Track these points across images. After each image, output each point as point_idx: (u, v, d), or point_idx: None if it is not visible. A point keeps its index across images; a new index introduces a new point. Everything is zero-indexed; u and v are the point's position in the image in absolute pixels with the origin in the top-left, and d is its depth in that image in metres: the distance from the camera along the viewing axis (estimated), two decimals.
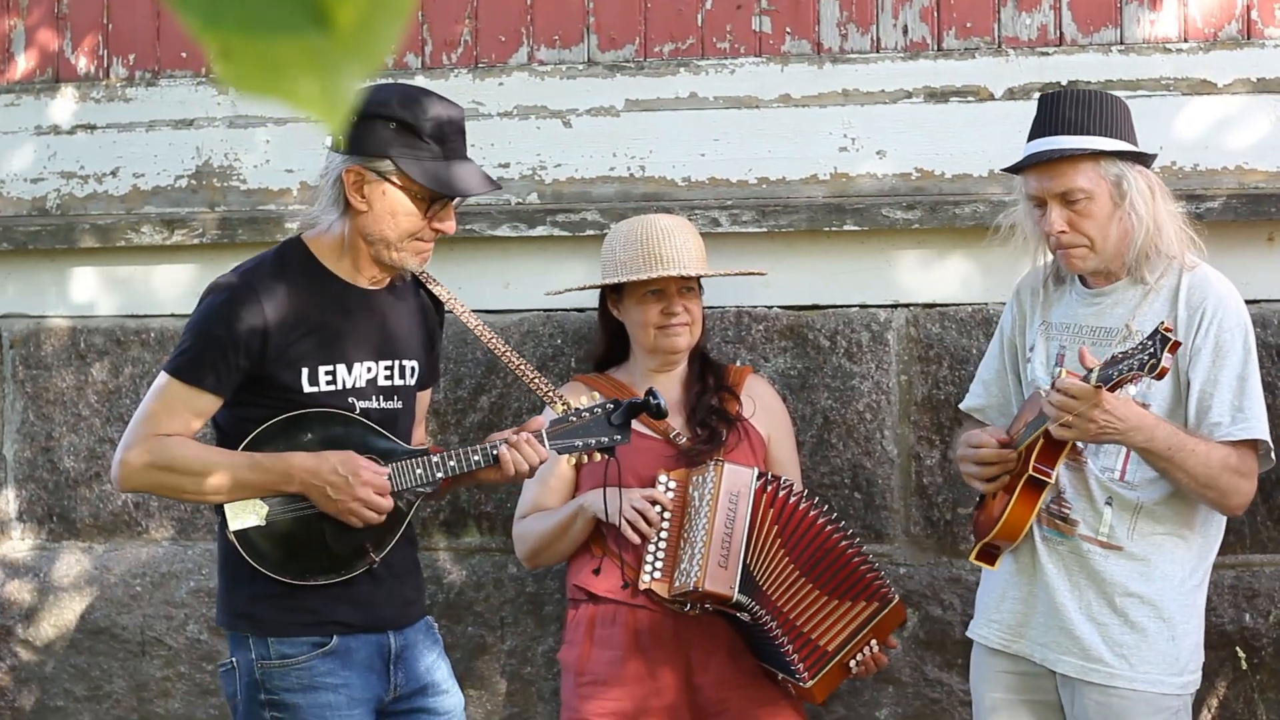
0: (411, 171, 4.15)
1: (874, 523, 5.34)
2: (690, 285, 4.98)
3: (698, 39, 5.56)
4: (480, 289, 5.57)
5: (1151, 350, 3.97)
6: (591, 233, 5.43)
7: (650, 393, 4.38)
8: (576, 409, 4.35)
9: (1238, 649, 5.08)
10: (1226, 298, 4.38)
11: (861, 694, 5.36)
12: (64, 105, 5.94)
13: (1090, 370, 4.09)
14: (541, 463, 4.32)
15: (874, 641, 4.84)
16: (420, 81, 5.56)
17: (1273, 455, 4.36)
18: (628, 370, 5.06)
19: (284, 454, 4.19)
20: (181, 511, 5.73)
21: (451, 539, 5.63)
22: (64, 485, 5.85)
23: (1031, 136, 4.41)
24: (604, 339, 5.14)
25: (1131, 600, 4.35)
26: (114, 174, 5.91)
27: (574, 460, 4.40)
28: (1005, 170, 4.52)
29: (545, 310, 5.52)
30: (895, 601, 4.87)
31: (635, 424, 4.93)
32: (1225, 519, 4.49)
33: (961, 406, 4.83)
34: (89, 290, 5.88)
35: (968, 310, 5.31)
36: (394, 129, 4.15)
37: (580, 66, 5.62)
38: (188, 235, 5.72)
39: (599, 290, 5.10)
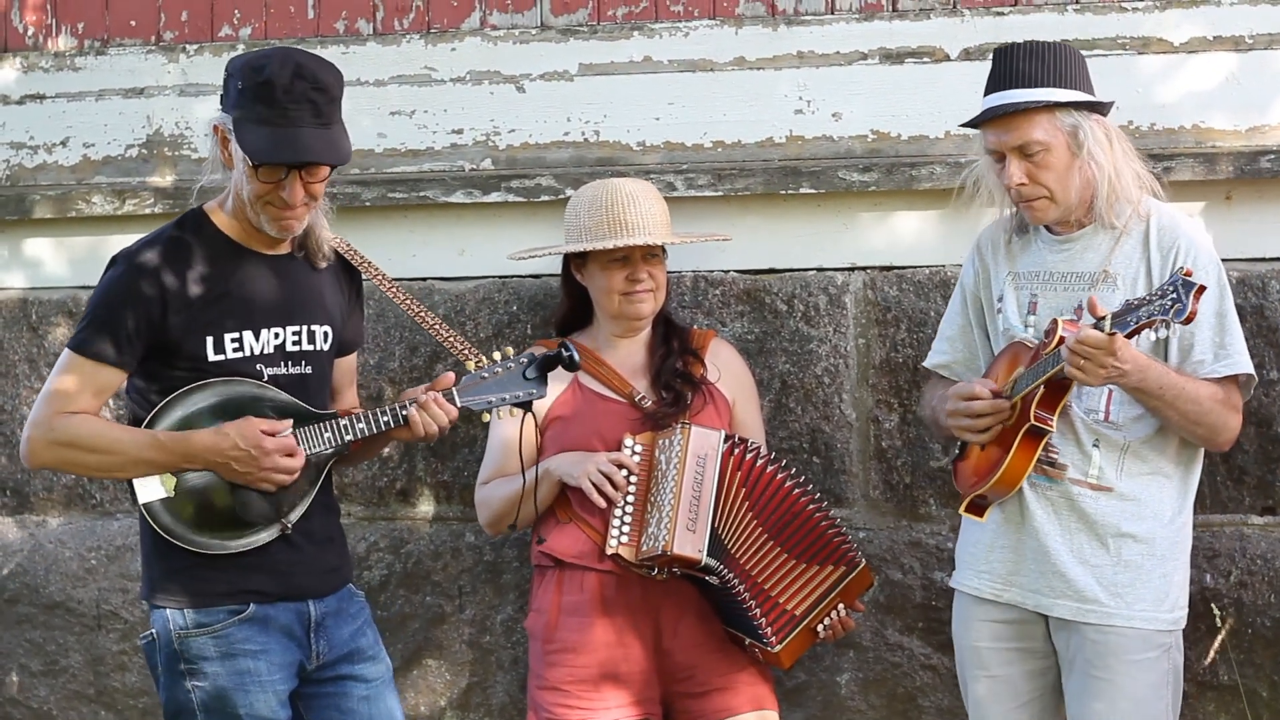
0: (239, 132, 4.12)
1: (833, 487, 5.32)
2: (655, 251, 4.95)
3: (651, 2, 5.53)
4: (435, 256, 5.54)
5: (1174, 296, 3.98)
6: (546, 198, 5.40)
7: (563, 344, 4.36)
8: (490, 364, 4.32)
9: (1213, 605, 5.06)
10: (1196, 237, 4.44)
11: (822, 659, 5.35)
12: (11, 75, 5.88)
13: (1102, 318, 4.10)
14: (451, 421, 4.30)
15: (841, 605, 4.83)
16: (372, 47, 5.54)
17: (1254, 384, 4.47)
18: (591, 334, 5.03)
19: (185, 434, 4.17)
20: None
21: (408, 508, 5.60)
22: (17, 458, 5.79)
23: (987, 91, 4.43)
24: (567, 303, 5.10)
25: (1124, 540, 4.40)
26: (64, 144, 5.86)
27: (488, 418, 4.36)
28: (963, 125, 4.51)
29: (501, 277, 5.49)
30: (862, 565, 4.85)
31: (600, 388, 4.92)
32: (1202, 459, 4.54)
33: (926, 364, 4.82)
34: (41, 261, 5.83)
35: (925, 272, 5.29)
36: (240, 88, 4.12)
37: (533, 31, 5.58)
38: (139, 205, 5.68)
39: (561, 255, 5.06)
